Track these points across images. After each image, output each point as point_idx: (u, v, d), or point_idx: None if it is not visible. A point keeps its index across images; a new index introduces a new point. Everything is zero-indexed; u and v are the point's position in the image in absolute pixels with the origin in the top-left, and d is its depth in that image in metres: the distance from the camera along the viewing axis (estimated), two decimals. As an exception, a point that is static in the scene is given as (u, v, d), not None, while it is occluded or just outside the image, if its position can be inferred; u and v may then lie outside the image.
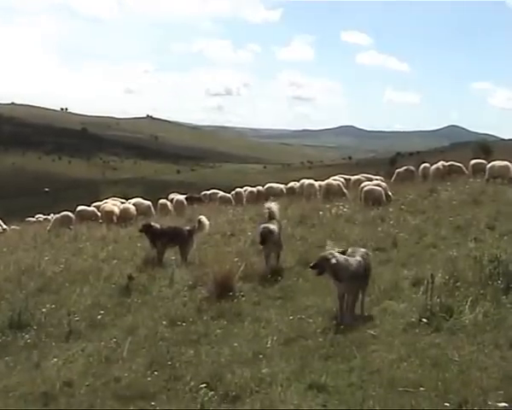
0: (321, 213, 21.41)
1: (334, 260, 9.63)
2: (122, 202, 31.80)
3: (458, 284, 10.47)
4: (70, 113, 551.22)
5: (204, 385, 7.54)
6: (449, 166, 32.20)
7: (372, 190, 23.40)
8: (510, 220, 16.29)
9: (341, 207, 22.16)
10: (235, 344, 9.15)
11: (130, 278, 13.12)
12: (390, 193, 23.70)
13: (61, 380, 8.28)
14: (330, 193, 27.66)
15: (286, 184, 33.90)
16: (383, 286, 11.09)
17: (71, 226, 27.71)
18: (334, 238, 16.01)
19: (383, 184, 25.60)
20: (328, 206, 22.95)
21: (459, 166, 32.07)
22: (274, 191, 32.42)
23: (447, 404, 6.57)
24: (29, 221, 43.64)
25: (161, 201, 32.79)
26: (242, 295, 11.64)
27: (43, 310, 11.75)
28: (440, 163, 32.46)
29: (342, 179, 31.01)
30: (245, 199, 33.29)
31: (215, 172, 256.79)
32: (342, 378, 7.55)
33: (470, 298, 9.57)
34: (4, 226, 36.07)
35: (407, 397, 6.83)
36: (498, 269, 10.46)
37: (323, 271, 9.79)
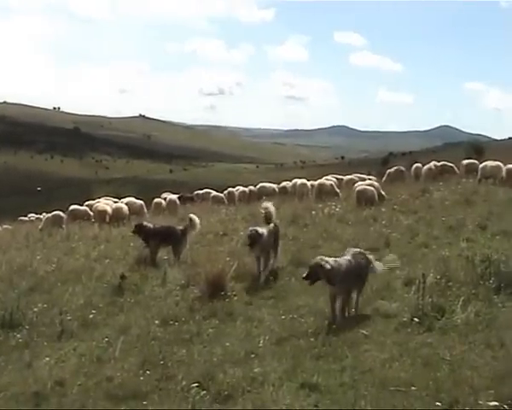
0: (313, 212, 21.43)
1: (328, 266, 9.61)
2: (115, 202, 31.77)
3: (450, 283, 10.51)
4: (63, 112, 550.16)
5: (196, 385, 7.53)
6: (441, 166, 32.28)
7: (364, 189, 23.43)
8: (502, 220, 16.35)
9: (334, 207, 22.19)
10: (227, 344, 9.15)
11: (122, 277, 13.09)
12: (383, 193, 23.74)
13: (52, 380, 8.26)
14: (323, 193, 27.70)
15: (278, 183, 33.96)
16: (375, 286, 11.09)
17: (63, 226, 27.69)
18: (326, 238, 16.12)
19: (376, 183, 25.63)
20: (320, 205, 22.99)
21: (451, 167, 32.15)
22: (266, 191, 32.48)
23: (439, 403, 6.58)
24: (21, 220, 43.51)
25: (156, 200, 32.80)
26: (234, 295, 11.64)
27: (35, 309, 11.72)
28: (432, 163, 32.53)
29: (335, 179, 31.06)
30: (237, 199, 33.30)
31: (208, 171, 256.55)
32: (334, 378, 7.55)
33: (462, 298, 9.60)
34: (-4, 225, 35.96)
35: (399, 397, 6.85)
36: (490, 269, 10.50)
37: (318, 278, 9.75)
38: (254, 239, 12.88)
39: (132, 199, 31.75)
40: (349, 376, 7.57)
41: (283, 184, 33.53)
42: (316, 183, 29.48)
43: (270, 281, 12.62)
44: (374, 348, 8.43)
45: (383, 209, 20.79)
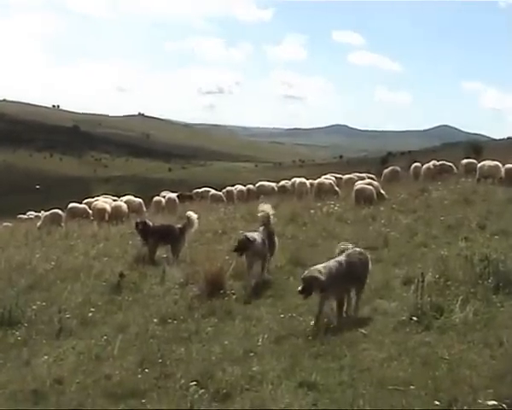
0: (312, 211, 21.48)
1: (322, 278, 9.45)
2: (114, 200, 31.79)
3: (449, 283, 10.51)
4: (62, 110, 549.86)
5: (194, 383, 7.52)
6: (440, 165, 32.30)
7: (363, 188, 23.46)
8: (501, 220, 16.36)
9: (333, 206, 22.21)
10: (226, 342, 9.15)
11: (121, 275, 13.10)
12: (382, 192, 23.76)
13: (51, 377, 8.26)
14: (322, 192, 27.73)
15: (277, 182, 33.98)
16: (374, 285, 11.08)
17: (62, 224, 27.68)
18: (325, 237, 16.13)
19: (375, 183, 25.66)
20: (319, 204, 23.02)
21: (450, 166, 32.18)
22: (265, 190, 32.53)
23: (437, 402, 6.58)
24: (20, 218, 43.49)
25: (156, 198, 32.82)
26: (233, 294, 11.64)
27: (34, 307, 11.72)
28: (431, 163, 32.55)
29: (334, 178, 31.10)
30: (236, 197, 33.32)
31: (206, 170, 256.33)
32: (333, 377, 7.55)
33: (460, 297, 9.60)
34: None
35: (397, 396, 6.85)
36: (489, 268, 10.50)
37: (312, 291, 9.58)
38: (243, 246, 12.28)
39: (131, 197, 31.79)
40: (347, 375, 7.57)
41: (282, 182, 33.58)
42: (315, 182, 29.53)
43: (269, 279, 12.62)
44: (372, 347, 8.44)
45: (382, 208, 20.80)
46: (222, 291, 11.65)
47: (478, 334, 8.47)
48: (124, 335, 9.89)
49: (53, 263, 15.99)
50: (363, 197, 22.66)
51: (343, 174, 33.61)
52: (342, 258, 9.98)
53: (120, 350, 9.21)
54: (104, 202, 30.15)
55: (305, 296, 9.69)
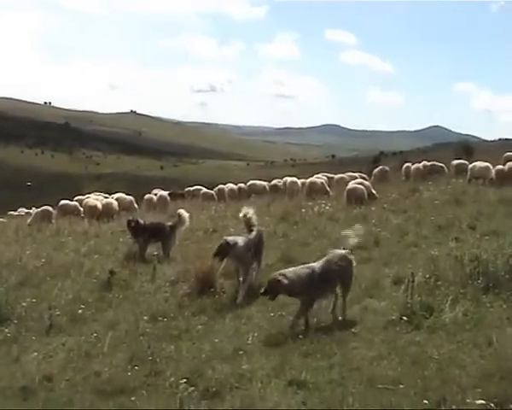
0: (303, 210, 21.46)
1: (285, 281, 9.39)
2: (105, 197, 31.74)
3: (439, 282, 10.54)
4: (53, 107, 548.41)
5: (184, 381, 7.53)
6: (430, 166, 32.37)
7: (355, 188, 23.48)
8: (491, 221, 16.40)
9: (324, 205, 22.21)
10: (216, 340, 9.19)
11: (111, 272, 13.09)
12: (374, 192, 23.81)
13: (40, 374, 8.28)
14: (313, 191, 27.71)
15: (269, 181, 34.01)
16: (364, 284, 11.13)
17: (52, 220, 27.61)
18: (316, 236, 16.15)
19: (366, 182, 25.69)
20: (310, 204, 23.00)
21: (441, 167, 32.24)
22: (257, 189, 32.54)
23: (426, 401, 6.61)
24: (11, 215, 43.35)
25: (147, 196, 32.75)
26: (224, 292, 11.66)
27: (24, 304, 11.71)
28: (422, 163, 32.63)
29: (325, 178, 31.12)
30: (227, 196, 33.31)
31: (198, 168, 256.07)
32: (322, 375, 7.57)
33: (450, 297, 9.63)
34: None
35: (386, 395, 6.87)
36: (479, 269, 10.52)
37: (277, 293, 9.59)
38: (223, 251, 11.59)
39: (122, 195, 31.74)
40: (337, 373, 7.59)
41: (274, 181, 33.59)
42: (306, 181, 29.52)
43: (261, 280, 12.60)
44: (362, 346, 8.47)
45: (373, 208, 20.82)
46: (212, 290, 11.65)
47: (467, 334, 8.50)
48: (114, 332, 9.90)
49: (43, 260, 15.95)
50: (355, 197, 22.68)
51: (335, 174, 33.62)
52: (318, 264, 9.85)
53: (110, 347, 9.23)
54: (95, 199, 30.10)
55: (270, 298, 9.71)
